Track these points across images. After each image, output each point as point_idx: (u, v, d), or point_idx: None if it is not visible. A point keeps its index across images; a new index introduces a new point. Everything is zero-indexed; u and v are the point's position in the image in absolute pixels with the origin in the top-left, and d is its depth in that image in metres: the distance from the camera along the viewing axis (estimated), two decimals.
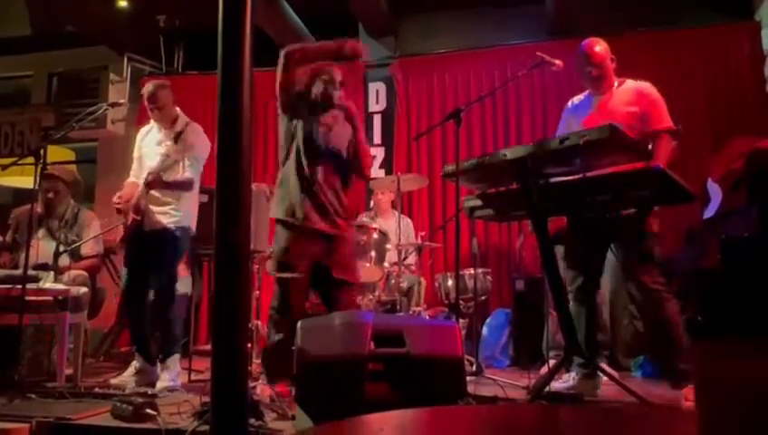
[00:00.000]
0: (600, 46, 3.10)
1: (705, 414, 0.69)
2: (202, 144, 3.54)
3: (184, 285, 4.62)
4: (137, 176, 3.61)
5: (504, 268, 5.40)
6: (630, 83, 3.11)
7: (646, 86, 3.08)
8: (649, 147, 3.01)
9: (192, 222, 3.58)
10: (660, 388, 3.25)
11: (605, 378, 3.00)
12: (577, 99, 3.28)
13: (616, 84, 3.12)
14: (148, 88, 3.56)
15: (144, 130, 3.73)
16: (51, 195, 3.98)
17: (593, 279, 3.11)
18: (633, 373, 3.94)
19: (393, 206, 4.99)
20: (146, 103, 3.56)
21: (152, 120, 3.65)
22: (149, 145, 3.60)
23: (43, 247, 3.81)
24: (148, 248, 3.44)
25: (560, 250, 4.07)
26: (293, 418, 2.36)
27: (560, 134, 3.13)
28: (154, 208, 3.43)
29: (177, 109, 3.65)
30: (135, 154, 3.70)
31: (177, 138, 3.47)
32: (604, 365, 3.17)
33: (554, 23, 5.57)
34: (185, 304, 4.71)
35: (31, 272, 3.30)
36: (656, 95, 3.05)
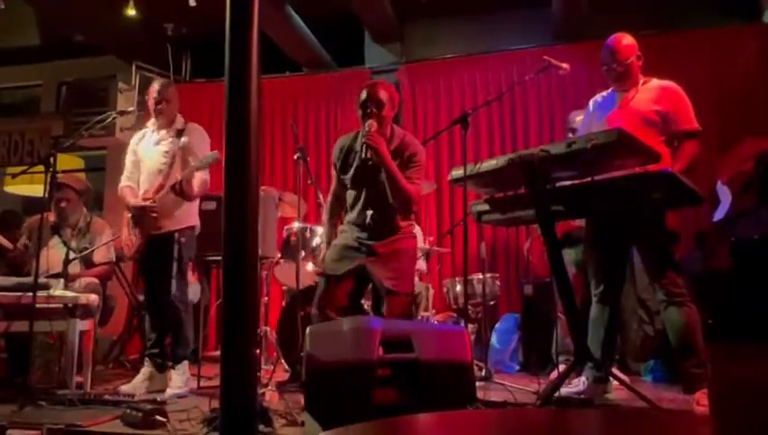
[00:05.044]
0: (626, 42, 3.07)
1: (718, 415, 0.69)
2: (206, 142, 3.57)
3: (192, 291, 4.64)
4: (132, 179, 3.60)
5: (512, 273, 5.38)
6: (655, 82, 3.08)
7: (672, 85, 3.05)
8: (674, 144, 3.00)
9: (196, 220, 3.60)
10: (671, 392, 3.23)
11: (615, 383, 2.98)
12: (600, 96, 3.26)
13: (641, 82, 3.09)
14: (155, 85, 3.59)
15: (137, 135, 3.72)
16: (63, 204, 4.00)
17: (617, 283, 3.08)
18: (643, 378, 3.91)
19: None
20: (153, 99, 3.54)
21: (148, 124, 3.66)
22: (147, 147, 3.59)
23: (54, 256, 3.83)
24: (155, 253, 3.46)
25: (569, 254, 4.08)
26: (302, 424, 2.36)
27: (582, 132, 3.12)
28: (162, 211, 3.44)
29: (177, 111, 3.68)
30: (129, 158, 3.67)
31: (179, 135, 3.51)
32: (615, 370, 3.15)
33: (561, 27, 5.56)
34: (193, 310, 4.73)
35: (42, 280, 3.31)
36: (681, 95, 3.02)
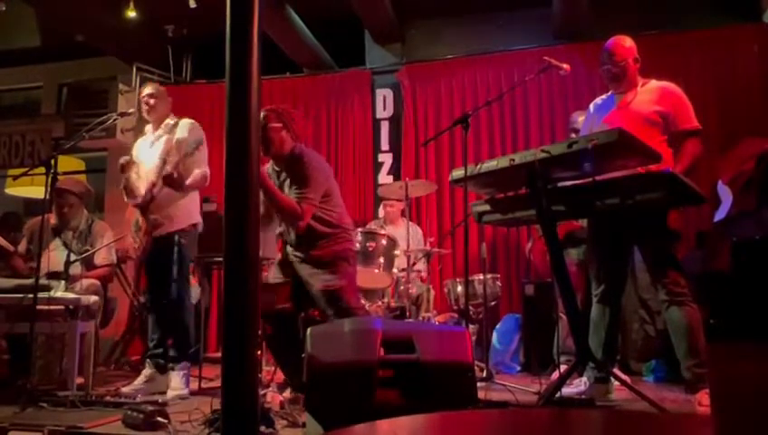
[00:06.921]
0: (624, 44, 3.07)
1: (720, 417, 0.69)
2: (198, 134, 3.54)
3: (193, 292, 4.64)
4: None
5: (513, 273, 5.38)
6: (654, 83, 3.09)
7: (671, 86, 3.06)
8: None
9: (197, 218, 3.59)
10: (673, 392, 3.23)
11: (617, 383, 2.98)
12: (600, 99, 3.27)
13: (640, 84, 3.10)
14: (147, 87, 3.65)
15: (137, 143, 3.75)
16: (65, 209, 4.00)
17: (618, 283, 3.08)
18: (645, 378, 3.91)
19: (402, 214, 4.99)
20: (144, 100, 3.59)
21: (145, 129, 3.70)
22: (144, 151, 3.61)
23: (56, 258, 3.83)
24: (158, 255, 3.46)
25: (571, 254, 4.08)
26: (304, 425, 2.36)
27: (583, 134, 3.12)
28: (161, 211, 3.44)
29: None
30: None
31: (172, 131, 3.52)
32: (616, 370, 3.14)
33: (561, 27, 5.56)
34: (194, 312, 4.73)
35: (43, 281, 3.31)
36: (681, 95, 3.03)
